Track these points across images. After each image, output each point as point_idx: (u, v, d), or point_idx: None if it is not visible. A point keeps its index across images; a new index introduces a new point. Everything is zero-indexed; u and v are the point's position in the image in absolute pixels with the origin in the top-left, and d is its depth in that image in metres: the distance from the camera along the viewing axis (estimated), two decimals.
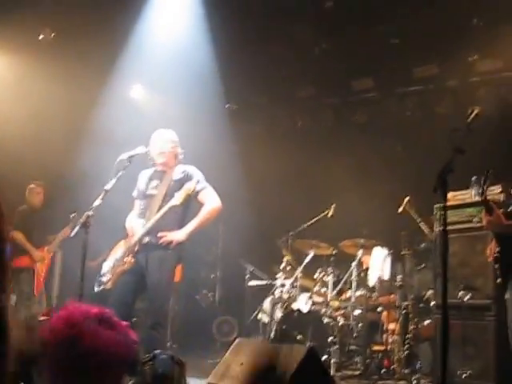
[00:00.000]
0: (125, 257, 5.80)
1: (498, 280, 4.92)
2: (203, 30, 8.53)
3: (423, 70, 9.64)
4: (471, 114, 4.22)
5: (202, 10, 8.32)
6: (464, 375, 6.16)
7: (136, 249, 5.82)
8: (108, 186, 5.50)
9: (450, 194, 7.16)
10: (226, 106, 10.77)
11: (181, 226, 5.90)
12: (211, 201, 6.00)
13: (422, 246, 8.53)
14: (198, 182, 5.93)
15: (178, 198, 5.69)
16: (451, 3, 8.11)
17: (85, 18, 8.26)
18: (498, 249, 4.76)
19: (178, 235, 5.82)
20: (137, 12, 8.42)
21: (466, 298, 6.43)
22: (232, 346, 4.46)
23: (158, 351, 4.35)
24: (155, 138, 6.13)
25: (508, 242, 4.65)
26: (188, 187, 5.73)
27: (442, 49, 8.94)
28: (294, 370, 3.76)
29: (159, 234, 5.77)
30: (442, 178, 3.78)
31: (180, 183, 5.90)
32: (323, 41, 9.25)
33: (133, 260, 5.75)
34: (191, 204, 6.01)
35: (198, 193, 5.95)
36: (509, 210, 4.65)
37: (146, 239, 5.83)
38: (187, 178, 5.97)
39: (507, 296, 4.85)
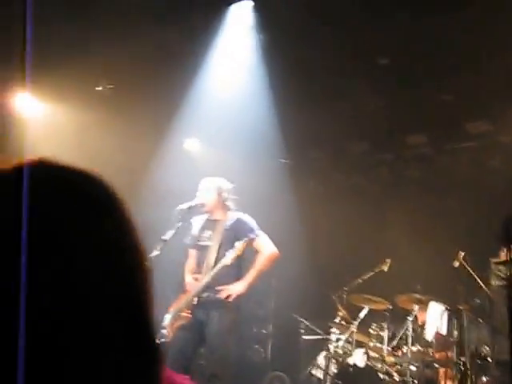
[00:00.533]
0: (183, 311, 5.84)
1: None
2: (262, 85, 8.72)
3: (476, 126, 9.69)
4: None
5: (262, 65, 8.53)
6: None
7: (194, 303, 5.86)
8: (167, 237, 5.54)
9: (506, 249, 7.14)
10: (281, 161, 10.93)
11: (238, 276, 5.94)
12: (267, 248, 6.03)
13: (478, 301, 8.45)
14: (249, 235, 5.96)
15: (229, 258, 5.73)
16: (502, 59, 8.18)
17: (144, 71, 8.51)
18: None
19: (238, 288, 5.86)
20: (196, 66, 8.63)
21: None
22: None
23: None
24: (201, 185, 6.22)
25: None
26: (238, 247, 5.76)
27: (495, 104, 8.98)
28: None
29: (218, 288, 5.81)
30: (506, 229, 3.81)
31: (232, 231, 5.94)
32: (379, 97, 9.40)
33: (190, 315, 5.78)
34: (247, 252, 6.05)
35: (253, 240, 5.98)
36: None
37: (205, 294, 5.86)
38: (240, 225, 6.01)
39: None
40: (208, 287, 5.83)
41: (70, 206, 0.94)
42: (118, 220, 1.01)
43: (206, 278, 5.85)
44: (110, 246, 0.96)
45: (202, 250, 6.06)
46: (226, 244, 5.87)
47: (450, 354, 7.54)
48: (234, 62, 8.69)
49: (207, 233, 6.12)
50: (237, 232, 6.00)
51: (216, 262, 5.84)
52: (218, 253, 5.90)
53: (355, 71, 8.80)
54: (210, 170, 9.47)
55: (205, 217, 6.28)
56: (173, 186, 8.84)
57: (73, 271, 0.88)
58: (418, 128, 10.12)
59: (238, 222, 6.09)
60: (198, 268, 6.07)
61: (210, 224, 6.18)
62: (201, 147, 10.77)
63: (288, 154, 11.02)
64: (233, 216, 6.16)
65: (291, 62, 8.47)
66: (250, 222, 6.16)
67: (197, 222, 6.31)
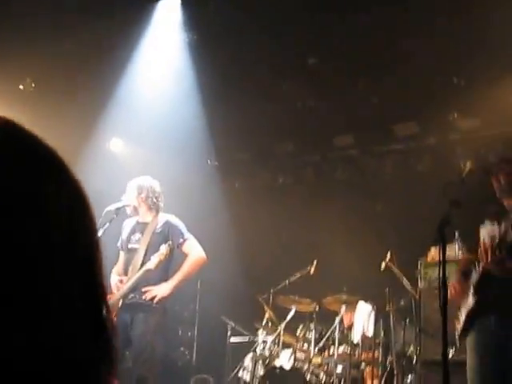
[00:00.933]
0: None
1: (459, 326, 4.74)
2: (188, 86, 8.60)
3: (403, 129, 9.80)
4: (465, 168, 4.30)
5: (191, 63, 8.40)
6: None
7: (119, 306, 5.75)
8: None
9: (432, 249, 7.23)
10: (209, 162, 10.84)
11: (165, 278, 5.85)
12: (194, 252, 5.98)
13: (402, 302, 8.54)
14: (177, 240, 5.92)
15: (152, 263, 5.67)
16: (432, 62, 8.31)
17: (68, 69, 8.31)
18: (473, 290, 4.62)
19: (163, 290, 5.78)
20: (123, 64, 8.46)
21: (450, 354, 6.40)
22: None
23: None
24: (128, 186, 6.11)
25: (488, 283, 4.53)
26: (162, 252, 5.70)
27: (422, 107, 9.12)
28: None
29: (143, 289, 5.72)
30: (440, 231, 3.81)
31: (161, 235, 5.89)
32: (307, 97, 9.40)
33: (115, 318, 5.66)
34: (175, 254, 5.98)
35: (181, 244, 5.94)
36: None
37: (130, 296, 5.76)
38: (169, 229, 5.95)
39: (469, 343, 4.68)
40: (133, 289, 5.71)
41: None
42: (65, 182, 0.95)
43: (130, 281, 5.74)
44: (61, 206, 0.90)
45: (131, 252, 5.96)
46: (154, 247, 5.79)
47: (376, 354, 7.59)
48: (161, 61, 8.54)
49: (136, 236, 6.03)
50: (165, 235, 5.94)
51: (142, 265, 5.75)
52: (145, 256, 5.80)
53: (283, 71, 8.78)
54: (137, 171, 9.31)
55: (135, 220, 6.18)
56: (99, 186, 8.62)
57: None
58: (345, 129, 10.17)
59: (167, 224, 6.03)
60: (125, 271, 5.96)
61: (140, 227, 6.09)
62: (126, 147, 10.54)
63: (215, 154, 10.93)
64: (162, 219, 6.07)
65: (220, 60, 8.39)
66: (179, 224, 6.09)
67: (127, 224, 6.21)
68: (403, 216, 9.22)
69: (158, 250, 5.78)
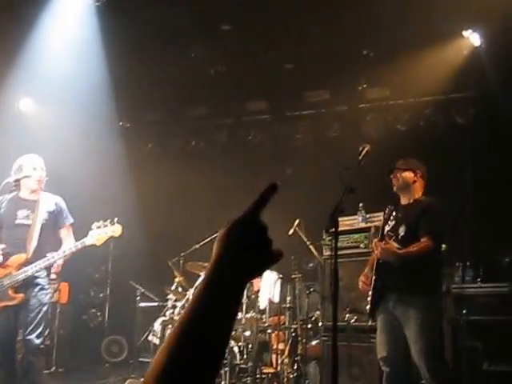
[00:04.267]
0: (9, 290, 5.64)
1: (368, 307, 5.13)
2: (98, 46, 8.41)
3: (315, 95, 9.94)
4: (362, 151, 4.42)
5: (98, 25, 8.19)
6: None
7: (19, 283, 5.67)
8: None
9: (339, 219, 7.41)
10: (120, 124, 10.70)
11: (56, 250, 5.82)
12: (69, 242, 5.92)
13: (310, 265, 8.76)
14: (66, 222, 5.96)
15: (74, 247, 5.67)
16: (345, 33, 8.41)
17: None
18: (374, 276, 5.00)
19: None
20: (31, 25, 8.17)
21: (352, 321, 6.66)
22: None
23: None
24: (29, 163, 5.94)
25: (384, 269, 4.90)
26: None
27: (333, 76, 9.24)
28: None
29: (38, 262, 5.66)
30: (333, 218, 3.93)
31: (54, 216, 5.86)
32: (219, 62, 9.35)
33: (21, 295, 5.61)
34: (59, 222, 5.93)
35: (62, 227, 5.92)
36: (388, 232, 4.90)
37: (28, 270, 5.67)
38: (60, 212, 5.95)
39: (380, 320, 5.10)
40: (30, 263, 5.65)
41: None
42: None
43: (38, 261, 5.65)
44: None
45: (19, 228, 5.82)
46: (49, 226, 5.80)
47: (282, 319, 7.78)
48: (70, 22, 8.28)
49: (25, 212, 5.89)
50: (56, 216, 5.91)
51: (40, 243, 5.70)
52: (41, 233, 5.75)
53: (196, 35, 8.69)
54: (48, 132, 9.11)
55: (15, 195, 6.00)
56: (7, 146, 8.42)
57: None
58: (258, 94, 10.22)
59: (58, 206, 5.99)
60: (18, 246, 5.79)
61: (26, 204, 5.93)
62: (36, 107, 10.23)
63: (125, 116, 10.79)
64: (51, 200, 5.99)
65: (130, 22, 8.22)
66: (65, 208, 6.07)
67: (9, 202, 6.01)
68: (312, 181, 9.36)
69: (53, 227, 5.85)
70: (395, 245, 4.88)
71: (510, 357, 6.65)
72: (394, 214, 5.01)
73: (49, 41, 8.37)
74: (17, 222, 5.87)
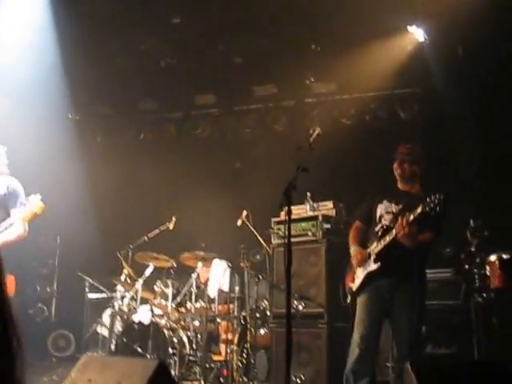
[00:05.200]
0: None
1: (357, 284, 5.25)
2: (49, 36, 8.32)
3: (263, 89, 10.05)
4: (313, 133, 4.52)
5: (49, 15, 8.10)
6: (298, 380, 6.49)
7: None
8: None
9: (286, 209, 7.54)
10: (68, 115, 10.61)
11: None
12: (17, 227, 5.79)
13: (258, 257, 8.86)
14: (18, 205, 5.77)
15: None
16: (292, 28, 8.54)
17: None
18: (374, 256, 5.09)
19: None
20: None
21: (300, 308, 6.78)
22: (78, 364, 4.37)
23: None
24: None
25: (390, 251, 4.99)
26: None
27: (281, 70, 9.37)
28: None
29: None
30: (286, 194, 4.03)
31: (4, 200, 5.75)
32: (169, 55, 9.38)
33: None
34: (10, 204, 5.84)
35: (12, 209, 5.79)
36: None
37: None
38: (12, 194, 5.81)
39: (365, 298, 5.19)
40: None
41: None
42: None
43: None
44: None
45: None
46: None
47: (231, 308, 7.85)
48: (21, 11, 8.16)
49: None
50: (9, 200, 5.79)
51: None
52: None
53: (147, 28, 8.71)
54: None
55: None
56: None
57: None
58: (207, 88, 10.29)
59: (9, 189, 5.84)
60: None
61: None
62: None
63: (76, 108, 10.71)
64: (4, 182, 5.88)
65: (81, 13, 8.18)
66: (19, 190, 5.91)
67: None
68: (260, 174, 9.47)
69: (3, 214, 5.69)
70: None
71: (452, 340, 6.90)
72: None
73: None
74: None
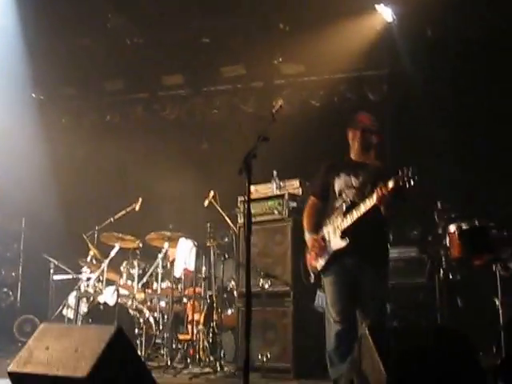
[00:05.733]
0: None
1: (323, 261, 5.08)
2: (13, 15, 8.17)
3: (231, 70, 9.98)
4: (275, 105, 4.48)
5: None
6: (264, 358, 6.47)
7: None
8: None
9: (252, 188, 7.49)
10: (32, 96, 10.44)
11: None
12: None
13: (226, 240, 8.82)
14: None
15: None
16: (260, 7, 8.48)
17: None
18: (343, 229, 4.94)
19: None
20: None
21: (266, 286, 6.76)
22: (36, 332, 4.32)
23: None
24: None
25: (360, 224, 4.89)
26: None
27: (249, 50, 9.30)
28: (102, 350, 3.74)
29: None
30: (246, 162, 3.98)
31: None
32: (135, 34, 9.26)
33: None
34: None
35: None
36: None
37: None
38: None
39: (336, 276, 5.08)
40: None
41: None
42: None
43: None
44: None
45: None
46: None
47: (198, 288, 7.81)
48: None
49: None
50: None
51: None
52: None
53: (113, 5, 8.60)
54: None
55: None
56: None
57: None
58: (174, 69, 10.18)
59: None
60: None
61: None
62: None
63: (40, 89, 10.54)
64: None
65: None
66: None
67: None
68: (228, 155, 9.41)
69: None
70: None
71: (417, 318, 6.95)
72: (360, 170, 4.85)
73: None
74: None
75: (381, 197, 4.62)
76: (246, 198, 3.93)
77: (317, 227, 5.18)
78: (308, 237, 5.20)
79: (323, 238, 5.07)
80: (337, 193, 5.08)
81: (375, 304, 4.92)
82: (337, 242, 4.98)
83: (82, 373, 3.68)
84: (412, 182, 4.45)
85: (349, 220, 4.89)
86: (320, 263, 5.11)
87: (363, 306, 4.95)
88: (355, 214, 4.85)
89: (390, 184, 4.56)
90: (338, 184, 5.09)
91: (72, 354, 3.85)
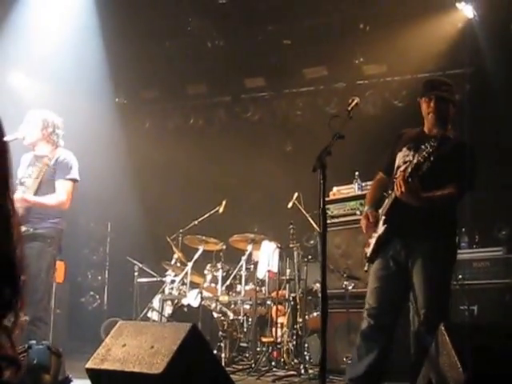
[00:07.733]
0: None
1: (369, 250, 4.64)
2: (94, 20, 8.33)
3: (313, 72, 9.90)
4: (351, 102, 4.35)
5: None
6: (349, 361, 6.33)
7: None
8: None
9: (334, 189, 7.41)
10: (116, 100, 10.66)
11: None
12: (60, 195, 5.71)
13: (311, 242, 8.74)
14: (60, 174, 5.67)
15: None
16: (341, 7, 8.39)
17: None
18: (384, 217, 4.49)
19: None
20: None
21: (349, 288, 6.63)
22: (113, 330, 4.35)
23: (33, 342, 4.20)
24: (26, 118, 5.84)
25: (398, 210, 4.48)
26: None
27: (330, 51, 9.21)
28: (177, 347, 3.74)
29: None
30: (320, 159, 3.87)
31: (53, 169, 5.65)
32: (217, 37, 9.33)
33: None
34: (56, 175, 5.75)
35: (59, 179, 5.70)
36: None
37: (23, 229, 5.52)
38: (59, 165, 5.72)
39: (377, 265, 4.69)
40: (27, 222, 5.49)
41: None
42: None
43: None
44: None
45: (23, 186, 5.69)
46: (47, 182, 5.60)
47: (282, 291, 7.75)
48: None
49: (31, 169, 5.76)
50: (57, 171, 5.70)
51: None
52: (38, 189, 5.59)
53: (194, 9, 8.67)
54: (38, 105, 8.99)
55: (32, 154, 5.90)
56: None
57: None
58: (256, 71, 10.19)
59: (61, 160, 5.76)
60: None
61: (35, 160, 5.81)
62: (29, 82, 10.02)
63: (123, 93, 10.74)
64: (59, 154, 5.80)
65: None
66: (71, 162, 5.80)
67: (25, 159, 5.92)
68: (311, 156, 9.31)
69: (51, 184, 5.60)
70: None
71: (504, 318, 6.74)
72: (427, 147, 4.16)
73: (42, 14, 8.28)
74: (22, 179, 5.71)
75: (397, 185, 4.24)
76: (321, 195, 3.81)
77: (378, 203, 4.69)
78: (364, 210, 4.78)
79: (376, 217, 4.60)
80: (395, 169, 4.60)
81: (429, 285, 4.30)
82: (380, 227, 4.54)
83: (157, 369, 3.69)
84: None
85: (388, 202, 4.50)
86: (369, 250, 4.64)
87: (415, 295, 4.39)
88: (393, 195, 4.41)
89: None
90: (398, 158, 4.61)
91: (148, 351, 3.87)
